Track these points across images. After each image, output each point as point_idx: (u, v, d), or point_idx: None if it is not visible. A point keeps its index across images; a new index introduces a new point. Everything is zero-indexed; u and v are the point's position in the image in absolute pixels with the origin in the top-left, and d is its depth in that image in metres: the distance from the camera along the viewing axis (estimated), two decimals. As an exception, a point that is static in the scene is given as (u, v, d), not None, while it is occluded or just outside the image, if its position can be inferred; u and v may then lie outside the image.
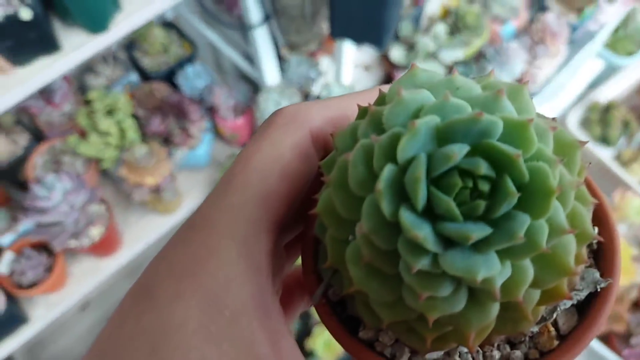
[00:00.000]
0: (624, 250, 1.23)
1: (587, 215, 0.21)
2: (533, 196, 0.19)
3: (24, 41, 0.84)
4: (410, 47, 1.33)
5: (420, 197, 0.19)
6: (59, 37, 0.89)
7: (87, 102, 1.17)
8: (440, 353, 0.23)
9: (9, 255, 1.11)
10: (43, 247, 1.17)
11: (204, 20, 1.38)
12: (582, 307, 0.23)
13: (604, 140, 1.74)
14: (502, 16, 1.42)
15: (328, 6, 0.96)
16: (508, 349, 0.23)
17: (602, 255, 0.24)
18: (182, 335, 0.19)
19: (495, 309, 0.20)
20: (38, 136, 1.25)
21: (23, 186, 1.15)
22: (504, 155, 0.18)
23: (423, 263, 0.18)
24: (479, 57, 1.39)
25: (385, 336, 0.24)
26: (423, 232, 0.18)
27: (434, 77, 0.22)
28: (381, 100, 0.22)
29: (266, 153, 0.24)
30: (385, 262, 0.20)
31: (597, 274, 0.23)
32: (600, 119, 1.75)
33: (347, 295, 0.24)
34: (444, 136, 0.19)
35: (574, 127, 1.77)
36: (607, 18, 1.63)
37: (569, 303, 0.23)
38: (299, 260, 0.30)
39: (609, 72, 1.90)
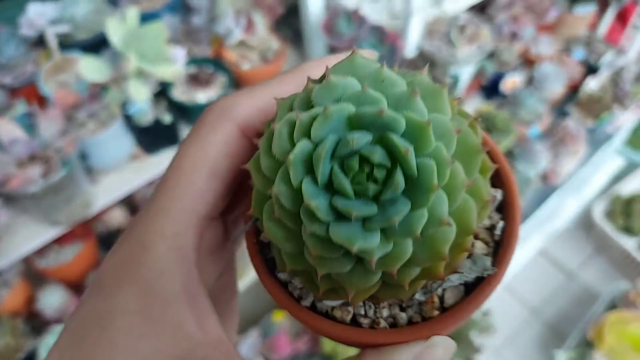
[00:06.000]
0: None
1: (474, 211, 0.24)
2: (419, 189, 0.21)
3: (157, 137, 1.15)
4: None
5: (322, 173, 0.22)
6: (180, 134, 1.18)
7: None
8: (339, 301, 0.27)
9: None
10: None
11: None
12: (470, 286, 0.27)
13: (628, 230, 1.96)
14: (528, 120, 1.66)
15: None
16: (397, 309, 0.27)
17: (502, 237, 0.27)
18: (125, 316, 0.23)
19: (376, 276, 0.23)
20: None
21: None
22: (397, 149, 0.21)
23: (316, 228, 0.22)
24: (508, 154, 1.64)
25: (296, 279, 0.28)
26: (317, 203, 0.21)
27: (369, 67, 0.24)
28: (323, 77, 0.25)
29: (193, 154, 0.27)
30: (290, 220, 0.23)
31: (488, 262, 0.26)
32: (624, 211, 1.97)
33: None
34: (356, 123, 0.22)
35: (599, 217, 2.03)
36: (623, 122, 1.87)
37: (456, 281, 0.26)
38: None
39: (631, 167, 2.23)
